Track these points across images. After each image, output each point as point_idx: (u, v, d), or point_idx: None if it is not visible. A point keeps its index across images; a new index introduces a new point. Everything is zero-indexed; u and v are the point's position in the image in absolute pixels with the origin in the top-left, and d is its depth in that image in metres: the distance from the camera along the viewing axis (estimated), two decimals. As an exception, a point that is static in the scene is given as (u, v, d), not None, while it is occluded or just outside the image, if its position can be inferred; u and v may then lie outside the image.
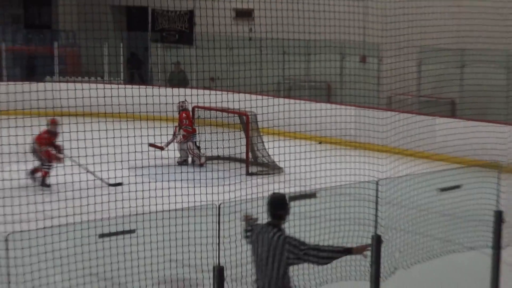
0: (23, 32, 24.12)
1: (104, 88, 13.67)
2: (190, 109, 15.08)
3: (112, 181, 12.34)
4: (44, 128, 12.95)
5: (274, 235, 5.37)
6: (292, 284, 5.84)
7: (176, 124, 15.24)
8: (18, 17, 24.62)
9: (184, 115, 14.83)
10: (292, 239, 5.53)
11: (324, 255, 5.43)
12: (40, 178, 12.22)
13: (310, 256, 5.41)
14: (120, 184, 12.06)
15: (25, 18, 24.65)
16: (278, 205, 5.54)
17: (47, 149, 12.43)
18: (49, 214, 9.54)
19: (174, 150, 14.96)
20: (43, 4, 24.28)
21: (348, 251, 5.39)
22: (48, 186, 12.05)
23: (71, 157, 12.77)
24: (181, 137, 14.83)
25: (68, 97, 12.44)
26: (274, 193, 5.89)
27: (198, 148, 14.68)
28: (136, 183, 11.81)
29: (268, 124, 13.15)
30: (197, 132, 14.94)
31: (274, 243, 5.44)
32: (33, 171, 12.30)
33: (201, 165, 14.54)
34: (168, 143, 14.46)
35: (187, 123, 14.73)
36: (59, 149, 12.50)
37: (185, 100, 14.58)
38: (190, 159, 15.01)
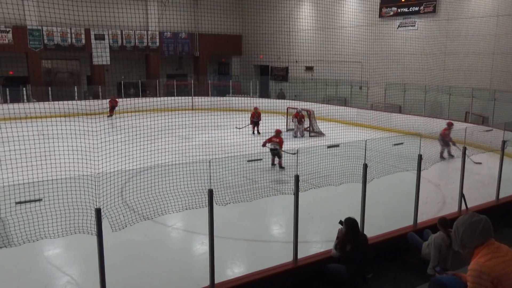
0: (218, 76, 31.83)
1: (249, 98, 22.08)
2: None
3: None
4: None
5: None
6: None
7: (291, 116, 19.17)
8: (215, 70, 32.90)
9: (299, 114, 18.60)
10: None
11: None
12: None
13: None
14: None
15: (219, 71, 32.98)
16: None
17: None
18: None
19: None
20: (225, 64, 32.32)
21: None
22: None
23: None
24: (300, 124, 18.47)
25: (235, 102, 21.05)
26: None
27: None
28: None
29: (319, 115, 19.19)
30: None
31: None
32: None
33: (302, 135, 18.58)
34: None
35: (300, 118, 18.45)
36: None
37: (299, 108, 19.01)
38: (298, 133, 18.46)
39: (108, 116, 22.55)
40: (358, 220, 6.22)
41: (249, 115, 19.05)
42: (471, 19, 19.11)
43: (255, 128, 18.98)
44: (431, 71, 19.85)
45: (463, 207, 7.64)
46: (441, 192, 10.78)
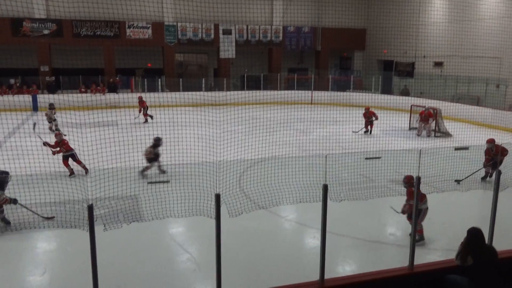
0: (339, 71, 30.62)
1: (370, 94, 21.25)
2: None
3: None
4: None
5: None
6: None
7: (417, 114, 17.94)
8: (337, 65, 31.88)
9: (424, 112, 17.32)
10: None
11: None
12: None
13: None
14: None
15: (340, 65, 32.19)
16: None
17: None
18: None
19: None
20: (347, 58, 31.73)
21: None
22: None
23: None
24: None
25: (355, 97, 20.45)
26: None
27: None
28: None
29: (447, 114, 18.24)
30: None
31: None
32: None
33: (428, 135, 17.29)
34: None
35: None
36: None
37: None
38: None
39: (144, 122, 19.12)
40: (486, 231, 5.63)
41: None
42: None
43: (370, 128, 17.66)
44: None
45: None
46: None
